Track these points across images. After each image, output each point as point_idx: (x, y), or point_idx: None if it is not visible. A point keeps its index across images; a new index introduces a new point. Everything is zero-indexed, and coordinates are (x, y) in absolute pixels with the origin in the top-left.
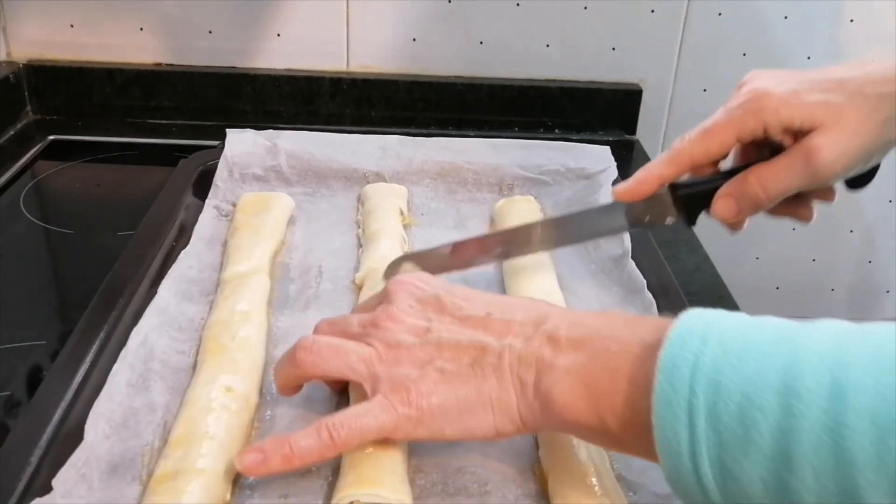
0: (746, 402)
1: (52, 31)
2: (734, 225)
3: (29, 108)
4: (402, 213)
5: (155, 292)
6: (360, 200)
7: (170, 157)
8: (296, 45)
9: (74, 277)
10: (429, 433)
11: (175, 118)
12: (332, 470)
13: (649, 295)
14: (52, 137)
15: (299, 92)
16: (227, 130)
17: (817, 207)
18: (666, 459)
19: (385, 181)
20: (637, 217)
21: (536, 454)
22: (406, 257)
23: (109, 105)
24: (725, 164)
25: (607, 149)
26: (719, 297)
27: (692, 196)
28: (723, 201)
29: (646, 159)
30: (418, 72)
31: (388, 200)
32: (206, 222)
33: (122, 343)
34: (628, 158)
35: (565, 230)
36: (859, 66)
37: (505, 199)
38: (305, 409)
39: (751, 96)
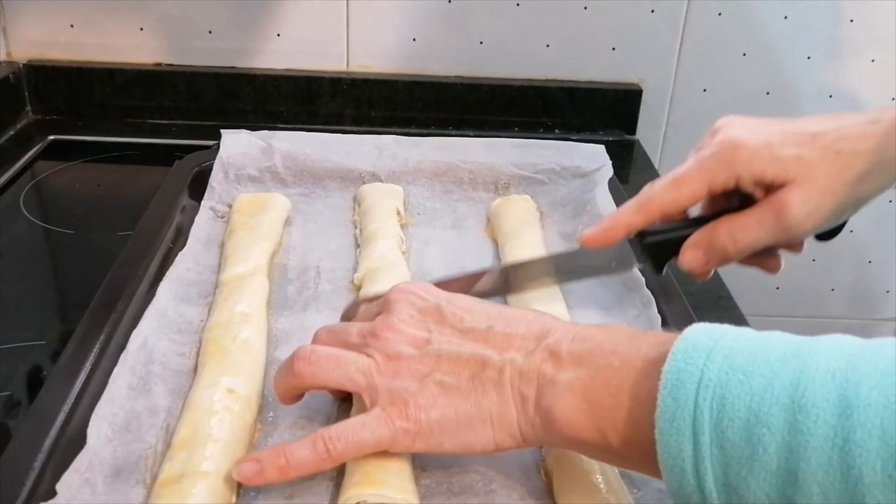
0: (752, 419)
1: (52, 31)
2: (701, 275)
3: (29, 108)
4: (398, 213)
5: (153, 294)
6: (357, 201)
7: (170, 157)
8: (296, 45)
9: (74, 277)
10: (427, 447)
11: (175, 118)
12: (337, 471)
13: (647, 292)
14: (52, 137)
15: (299, 92)
16: (222, 131)
17: (784, 257)
18: (669, 476)
19: (381, 181)
20: (604, 264)
21: (541, 452)
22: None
23: (109, 105)
24: (694, 210)
25: (602, 147)
26: (719, 296)
27: (660, 244)
28: (691, 252)
29: (646, 159)
30: (418, 72)
31: (384, 200)
32: (203, 224)
33: (122, 346)
34: (628, 158)
35: (533, 273)
36: (833, 118)
37: (501, 199)
38: (308, 410)
39: (723, 146)
